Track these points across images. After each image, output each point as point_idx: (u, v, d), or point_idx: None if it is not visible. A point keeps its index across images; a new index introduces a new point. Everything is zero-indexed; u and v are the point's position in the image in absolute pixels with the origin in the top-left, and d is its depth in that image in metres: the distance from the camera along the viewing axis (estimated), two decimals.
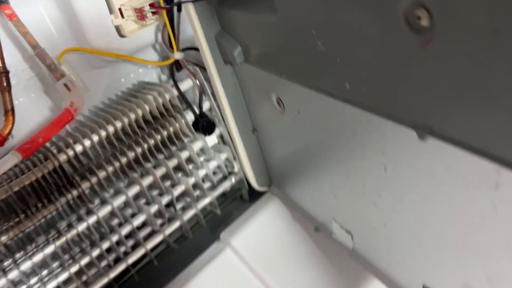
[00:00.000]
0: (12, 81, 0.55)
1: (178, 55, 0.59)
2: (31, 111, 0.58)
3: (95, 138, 0.54)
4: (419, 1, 0.27)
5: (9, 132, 0.52)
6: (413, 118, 0.32)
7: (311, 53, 0.39)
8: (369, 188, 0.43)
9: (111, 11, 0.57)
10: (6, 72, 0.51)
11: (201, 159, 0.67)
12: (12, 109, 0.52)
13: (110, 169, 0.54)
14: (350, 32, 0.33)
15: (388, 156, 0.38)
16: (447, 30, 0.26)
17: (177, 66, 0.63)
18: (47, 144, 0.53)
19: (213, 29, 0.55)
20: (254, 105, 0.59)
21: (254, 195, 0.69)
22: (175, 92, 0.60)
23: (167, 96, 0.59)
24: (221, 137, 0.67)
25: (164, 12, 0.56)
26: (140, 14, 0.56)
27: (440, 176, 0.33)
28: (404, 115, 0.33)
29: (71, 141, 0.53)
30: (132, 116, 0.56)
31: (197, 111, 0.62)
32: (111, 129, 0.55)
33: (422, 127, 0.32)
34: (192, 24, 0.53)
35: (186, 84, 0.62)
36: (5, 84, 0.51)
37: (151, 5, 0.56)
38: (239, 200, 0.71)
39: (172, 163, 0.60)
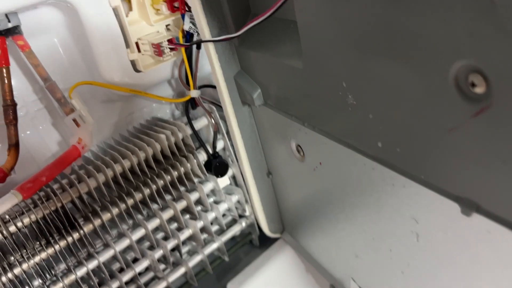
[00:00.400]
0: (20, 113, 0.53)
1: (194, 93, 0.56)
2: (37, 144, 0.56)
3: (101, 177, 0.51)
4: (474, 66, 0.23)
5: (12, 168, 0.49)
6: (456, 191, 0.29)
7: (339, 106, 0.36)
8: (397, 255, 0.39)
9: (127, 45, 0.54)
10: (13, 105, 0.49)
11: (211, 200, 0.63)
12: (17, 144, 0.49)
13: (115, 211, 0.51)
14: (388, 90, 0.30)
15: (422, 225, 0.34)
16: (506, 99, 0.23)
17: (192, 103, 0.60)
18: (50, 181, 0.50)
19: (232, 69, 0.52)
20: (271, 148, 0.56)
21: (265, 242, 0.65)
22: (189, 131, 0.57)
23: (181, 135, 0.56)
24: (234, 178, 0.63)
25: (182, 49, 0.54)
26: (157, 50, 0.53)
27: (485, 256, 0.29)
28: (446, 187, 0.29)
29: (75, 180, 0.50)
30: (142, 155, 0.53)
31: (210, 151, 0.59)
32: (119, 168, 0.52)
33: (467, 202, 0.28)
34: (211, 62, 0.51)
35: (200, 123, 0.59)
36: (11, 117, 0.48)
37: (170, 41, 0.54)
38: (249, 245, 0.67)
39: (181, 205, 0.57)
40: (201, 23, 0.48)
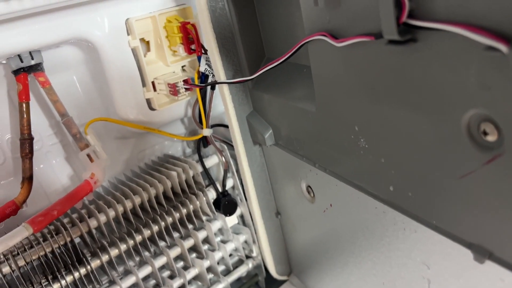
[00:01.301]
0: (35, 147, 0.54)
1: (207, 132, 0.57)
2: (50, 178, 0.56)
3: (112, 213, 0.51)
4: (486, 115, 0.24)
5: (24, 201, 0.49)
6: (469, 238, 0.29)
7: (351, 148, 0.37)
8: None
9: (144, 83, 0.56)
10: (30, 139, 0.50)
11: (218, 239, 0.63)
12: (31, 177, 0.50)
13: (123, 247, 0.51)
14: (400, 135, 0.31)
15: (433, 271, 0.34)
16: None
17: (204, 142, 0.61)
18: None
19: (245, 110, 0.53)
20: (281, 188, 0.56)
21: (272, 284, 0.64)
22: (200, 168, 0.58)
23: (191, 173, 0.57)
24: (242, 217, 0.63)
25: (197, 89, 0.56)
26: (173, 90, 0.55)
27: None
28: (458, 233, 0.29)
29: (86, 215, 0.50)
30: (153, 191, 0.54)
31: (220, 189, 0.60)
32: (129, 204, 0.52)
33: (479, 249, 0.28)
34: (224, 103, 0.52)
35: (211, 161, 0.60)
36: (27, 151, 0.49)
37: (185, 81, 0.56)
38: (255, 287, 0.66)
39: (188, 243, 0.56)
40: (217, 66, 0.50)
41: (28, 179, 0.50)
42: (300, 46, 0.38)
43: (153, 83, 0.57)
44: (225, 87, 0.51)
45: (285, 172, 0.53)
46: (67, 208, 0.48)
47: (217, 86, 0.54)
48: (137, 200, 0.53)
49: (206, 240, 0.60)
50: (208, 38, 0.49)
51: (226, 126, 0.64)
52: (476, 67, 0.23)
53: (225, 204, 0.59)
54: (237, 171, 0.60)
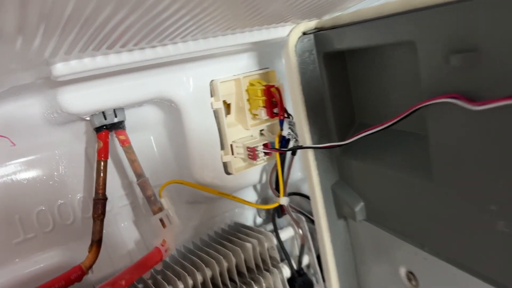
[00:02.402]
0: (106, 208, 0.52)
1: (284, 200, 0.53)
2: (117, 242, 0.53)
3: (181, 286, 0.46)
4: None
5: (91, 266, 0.46)
6: None
7: (482, 232, 0.31)
8: None
9: (222, 146, 0.53)
10: (104, 199, 0.47)
11: None
12: (100, 241, 0.47)
13: None
14: None
15: None
16: None
17: (279, 211, 0.56)
18: None
19: (330, 178, 0.49)
20: (369, 271, 0.49)
21: None
22: (275, 241, 0.52)
23: (266, 245, 0.51)
24: None
25: (277, 154, 0.52)
26: (252, 154, 0.52)
27: None
28: None
29: (153, 286, 0.45)
30: (225, 264, 0.49)
31: (295, 267, 0.54)
32: (199, 277, 0.47)
33: None
34: (307, 170, 0.48)
35: (286, 233, 0.55)
36: (100, 212, 0.47)
37: (265, 145, 0.52)
38: None
39: None
40: (303, 130, 0.46)
41: (97, 242, 0.46)
42: (415, 110, 0.34)
43: (231, 146, 0.54)
44: (310, 153, 0.47)
45: (377, 253, 0.47)
46: (136, 278, 0.44)
47: (299, 151, 0.50)
48: (208, 274, 0.48)
49: None
50: (295, 100, 0.46)
51: (303, 196, 0.60)
52: None
53: (301, 285, 0.53)
54: (315, 247, 0.54)
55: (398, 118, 0.36)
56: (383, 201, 0.42)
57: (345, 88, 0.46)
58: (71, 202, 0.51)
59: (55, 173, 0.50)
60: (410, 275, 0.42)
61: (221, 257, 0.48)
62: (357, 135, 0.41)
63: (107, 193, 0.51)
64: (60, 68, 0.34)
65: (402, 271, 0.43)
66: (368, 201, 0.45)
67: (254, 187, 0.61)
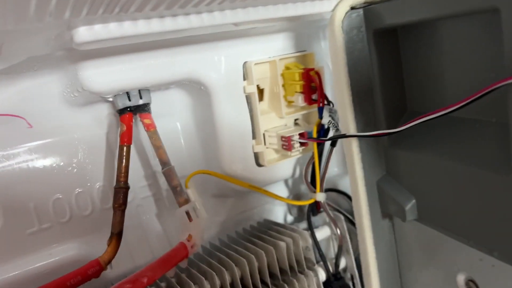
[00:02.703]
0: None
1: (320, 196, 0.48)
2: (137, 237, 0.49)
3: (207, 286, 0.41)
4: None
5: (110, 261, 0.41)
6: None
7: None
8: None
9: (254, 135, 0.49)
10: (126, 188, 0.43)
11: None
12: (120, 234, 0.42)
13: None
14: None
15: None
16: None
17: (314, 209, 0.51)
18: None
19: (376, 173, 0.43)
20: (417, 277, 0.44)
21: None
22: (310, 241, 0.48)
23: (301, 245, 0.46)
24: None
25: (314, 145, 0.47)
26: (287, 143, 0.47)
27: None
28: None
29: (178, 286, 0.41)
30: (256, 264, 0.44)
31: (332, 270, 0.49)
32: (228, 277, 0.43)
33: None
34: (350, 163, 0.43)
35: (321, 233, 0.50)
36: (121, 201, 0.43)
37: (301, 135, 0.48)
38: None
39: None
40: (347, 117, 0.41)
41: (117, 235, 0.42)
42: (492, 90, 0.29)
43: (264, 135, 0.49)
44: (354, 143, 0.42)
45: (428, 258, 0.41)
46: (159, 276, 0.39)
47: (340, 142, 0.45)
48: (238, 273, 0.43)
49: None
50: (340, 84, 0.41)
51: (341, 192, 0.55)
52: None
53: None
54: (353, 249, 0.49)
55: (471, 99, 0.30)
56: (441, 198, 0.37)
57: (396, 70, 0.41)
58: (89, 191, 0.47)
59: (74, 159, 0.46)
60: (471, 283, 0.36)
61: (252, 255, 0.44)
62: (413, 121, 0.36)
63: (129, 181, 0.47)
64: (83, 33, 0.30)
65: (461, 279, 0.37)
66: (421, 198, 0.39)
67: (285, 182, 0.57)
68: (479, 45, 0.33)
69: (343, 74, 0.40)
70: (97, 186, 0.47)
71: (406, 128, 0.36)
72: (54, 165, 0.45)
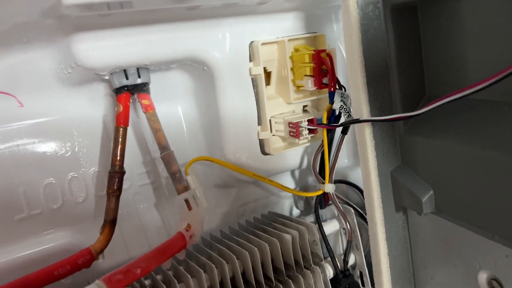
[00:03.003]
0: (123, 185, 0.45)
1: (330, 187, 0.45)
2: (133, 226, 0.46)
3: (206, 281, 0.39)
4: None
5: (102, 250, 0.39)
6: None
7: None
8: None
9: (260, 121, 0.46)
10: (121, 173, 0.40)
11: None
12: (114, 221, 0.40)
13: None
14: None
15: None
16: None
17: (322, 201, 0.48)
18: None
19: (390, 162, 0.40)
20: (433, 275, 0.41)
21: None
22: (318, 235, 0.44)
23: (308, 239, 0.43)
24: None
25: (324, 132, 0.44)
26: (295, 130, 0.44)
27: None
28: None
29: (174, 278, 0.38)
30: (259, 258, 0.41)
31: (340, 266, 0.46)
32: (228, 271, 0.40)
33: None
34: (363, 152, 0.40)
35: (330, 227, 0.47)
36: (115, 187, 0.40)
37: (310, 121, 0.45)
38: None
39: None
40: (361, 100, 0.38)
41: (110, 222, 0.39)
42: None
43: (270, 121, 0.46)
44: (368, 130, 0.39)
45: (446, 254, 0.38)
46: (154, 267, 0.36)
47: (356, 129, 0.42)
48: (240, 267, 0.40)
49: None
50: (353, 64, 0.38)
51: (351, 185, 0.52)
52: None
53: (346, 287, 0.45)
54: (363, 244, 0.46)
55: (495, 79, 0.27)
56: (463, 189, 0.34)
57: (415, 51, 0.38)
58: (84, 177, 0.44)
59: (67, 142, 0.43)
60: (494, 282, 0.33)
61: (255, 248, 0.41)
62: (433, 103, 0.32)
63: (126, 167, 0.44)
64: None
65: (483, 277, 0.34)
66: (440, 189, 0.36)
67: (292, 173, 0.54)
68: (504, 20, 0.30)
69: (357, 54, 0.37)
70: (92, 172, 0.44)
71: (424, 112, 0.33)
72: (46, 147, 0.42)
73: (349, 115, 0.43)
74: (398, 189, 0.40)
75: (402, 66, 0.38)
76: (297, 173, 0.54)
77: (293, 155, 0.49)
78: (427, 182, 0.37)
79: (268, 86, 0.47)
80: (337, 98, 0.43)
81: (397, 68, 0.37)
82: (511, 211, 0.30)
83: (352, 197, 0.52)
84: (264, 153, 0.47)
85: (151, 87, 0.44)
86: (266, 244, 0.41)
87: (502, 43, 0.31)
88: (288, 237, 0.42)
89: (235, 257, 0.40)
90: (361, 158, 0.40)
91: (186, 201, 0.41)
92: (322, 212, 0.49)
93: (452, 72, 0.36)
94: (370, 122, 0.38)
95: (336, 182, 0.49)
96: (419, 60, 0.38)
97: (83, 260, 0.37)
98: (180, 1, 0.35)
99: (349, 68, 0.39)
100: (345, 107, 0.43)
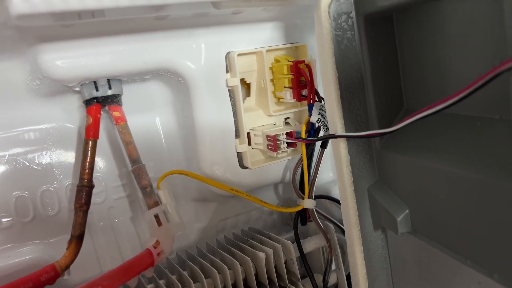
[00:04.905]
0: (97, 199, 0.44)
1: (309, 203, 0.43)
2: (107, 241, 0.45)
3: None
4: None
5: (67, 267, 0.38)
6: None
7: None
8: None
9: (237, 134, 0.44)
10: (90, 187, 0.39)
11: None
12: (81, 236, 0.39)
13: None
14: None
15: None
16: None
17: (302, 217, 0.47)
18: None
19: (366, 178, 0.38)
20: None
21: None
22: (295, 253, 0.43)
23: (284, 257, 0.42)
24: None
25: (303, 146, 0.43)
26: (273, 144, 0.43)
27: None
28: None
29: None
30: (231, 277, 0.39)
31: (319, 286, 0.44)
32: None
33: None
34: (338, 167, 0.38)
35: (310, 244, 0.45)
36: (83, 201, 0.39)
37: (288, 134, 0.43)
38: None
39: None
40: (334, 115, 0.37)
41: (77, 238, 0.38)
42: (496, 76, 0.24)
43: (248, 134, 0.45)
44: (343, 145, 0.37)
45: (423, 276, 0.36)
46: (118, 285, 0.35)
47: (331, 144, 0.40)
48: (210, 287, 0.39)
49: None
50: (326, 77, 0.36)
51: (334, 200, 0.50)
52: None
53: None
54: (345, 263, 0.44)
55: (473, 87, 0.25)
56: (438, 209, 0.32)
57: (391, 62, 0.36)
58: (57, 190, 0.43)
59: (41, 154, 0.42)
60: None
61: (226, 267, 0.39)
62: (408, 118, 0.31)
63: (99, 181, 0.44)
64: (19, 5, 0.26)
65: None
66: (415, 208, 0.34)
67: (275, 187, 0.52)
68: (483, 29, 0.28)
69: (330, 66, 0.36)
70: (66, 184, 0.44)
71: (400, 128, 0.32)
72: (19, 159, 0.42)
73: (327, 129, 0.41)
74: (375, 207, 0.38)
75: (378, 78, 0.36)
76: (280, 187, 0.52)
77: (274, 169, 0.48)
78: (403, 201, 0.36)
79: (248, 98, 0.46)
80: (315, 111, 0.42)
81: (372, 81, 0.36)
82: (483, 235, 0.28)
83: (336, 213, 0.50)
84: (242, 166, 0.46)
85: (127, 98, 0.43)
86: (238, 263, 0.39)
87: (480, 51, 0.29)
88: (262, 255, 0.40)
89: (203, 277, 0.38)
90: (337, 174, 0.39)
91: (156, 216, 0.39)
92: (308, 228, 0.48)
93: (430, 83, 0.34)
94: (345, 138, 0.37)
95: (317, 197, 0.47)
96: (396, 72, 0.37)
97: (46, 277, 0.36)
98: (155, 10, 0.34)
99: (323, 80, 0.37)
100: (323, 120, 0.41)
